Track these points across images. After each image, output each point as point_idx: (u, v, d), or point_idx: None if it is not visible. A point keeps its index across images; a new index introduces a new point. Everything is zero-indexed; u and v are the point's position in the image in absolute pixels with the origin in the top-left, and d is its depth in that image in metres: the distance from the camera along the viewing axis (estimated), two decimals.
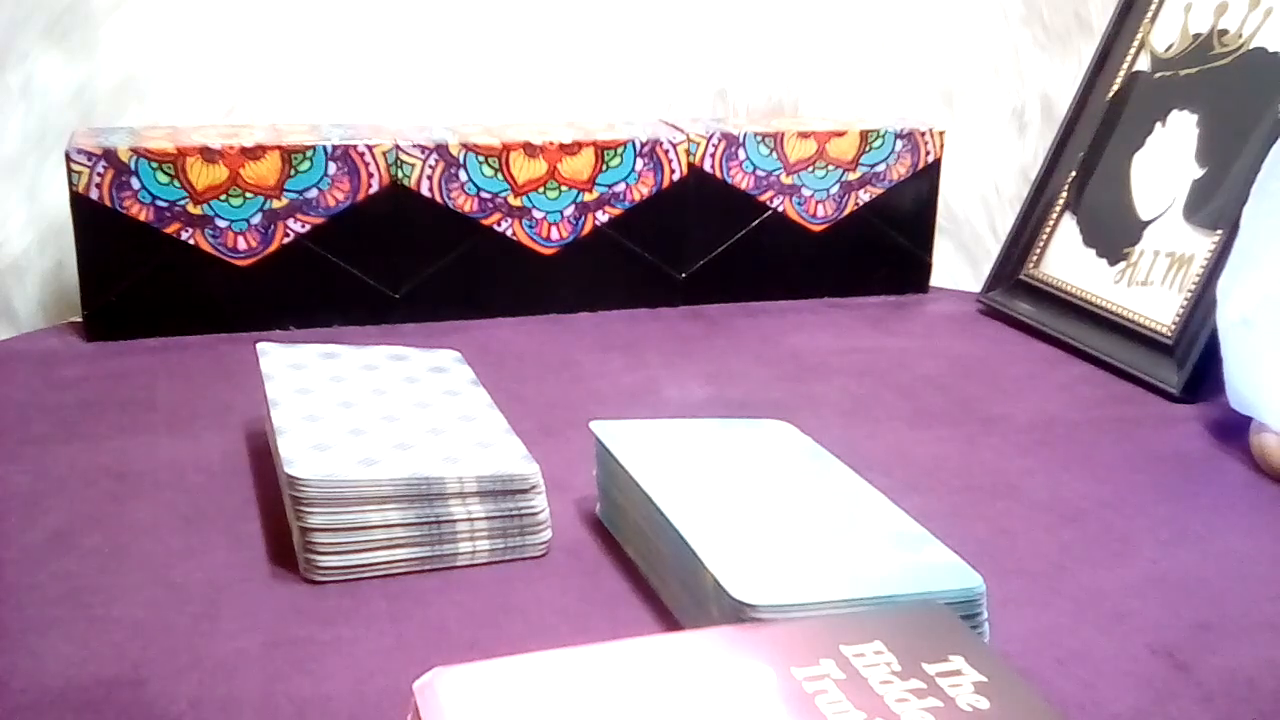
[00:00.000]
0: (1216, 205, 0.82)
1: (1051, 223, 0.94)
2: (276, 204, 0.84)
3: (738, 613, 0.44)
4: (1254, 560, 0.58)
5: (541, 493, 0.55)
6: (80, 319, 0.84)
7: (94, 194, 0.81)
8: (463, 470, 0.54)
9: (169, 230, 0.83)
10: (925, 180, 0.99)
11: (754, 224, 0.95)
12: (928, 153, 0.98)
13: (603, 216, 0.91)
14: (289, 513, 0.55)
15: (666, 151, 0.91)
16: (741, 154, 0.93)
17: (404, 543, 0.54)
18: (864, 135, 0.96)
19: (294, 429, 0.57)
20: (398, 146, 0.85)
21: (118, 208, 0.81)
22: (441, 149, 0.86)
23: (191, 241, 0.83)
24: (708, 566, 0.46)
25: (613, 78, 1.05)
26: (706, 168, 0.93)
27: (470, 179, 0.87)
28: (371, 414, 0.59)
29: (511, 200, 0.89)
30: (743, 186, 0.94)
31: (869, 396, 0.78)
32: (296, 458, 0.54)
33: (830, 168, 0.96)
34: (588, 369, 0.81)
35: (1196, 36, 0.88)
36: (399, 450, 0.56)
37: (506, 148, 0.88)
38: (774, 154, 0.94)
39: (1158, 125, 0.89)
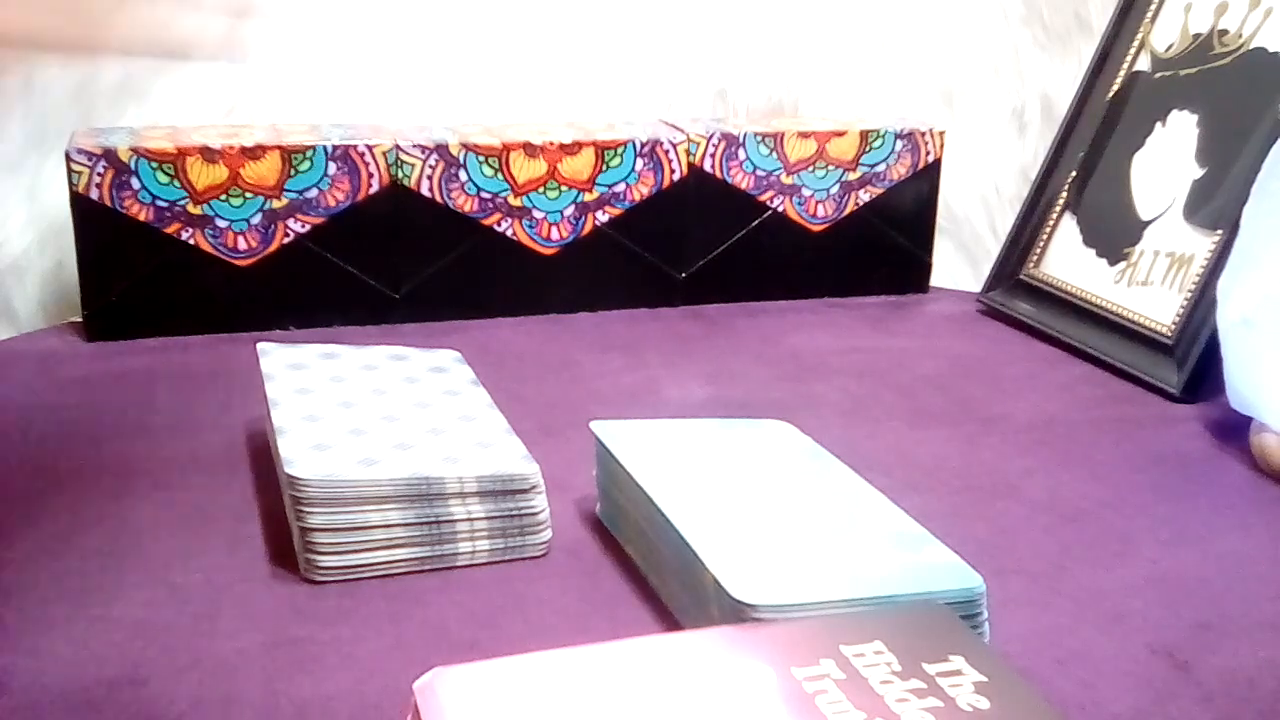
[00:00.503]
0: (1216, 205, 0.82)
1: (1051, 223, 0.94)
2: (276, 204, 0.84)
3: (738, 613, 0.44)
4: (1254, 560, 0.58)
5: (541, 493, 0.55)
6: (80, 319, 0.84)
7: (94, 194, 0.81)
8: (463, 470, 0.54)
9: (169, 230, 0.83)
10: (925, 180, 0.99)
11: (754, 224, 0.95)
12: (928, 153, 0.98)
13: (603, 216, 0.91)
14: (289, 513, 0.55)
15: (666, 151, 0.91)
16: (741, 154, 0.93)
17: (404, 543, 0.54)
18: (864, 135, 0.96)
19: (294, 429, 0.57)
20: (398, 146, 0.85)
21: (118, 208, 0.81)
22: (441, 149, 0.86)
23: (191, 241, 0.83)
24: (708, 566, 0.46)
25: (613, 78, 1.05)
26: (706, 168, 0.93)
27: (470, 179, 0.87)
28: (371, 414, 0.59)
29: (511, 200, 0.89)
30: (743, 186, 0.94)
31: (869, 396, 0.78)
32: (296, 458, 0.54)
33: (830, 168, 0.96)
34: (588, 369, 0.81)
35: (1196, 36, 0.88)
36: (399, 450, 0.56)
37: (506, 148, 0.88)
38: (774, 154, 0.94)
39: (1158, 125, 0.89)
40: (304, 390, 0.62)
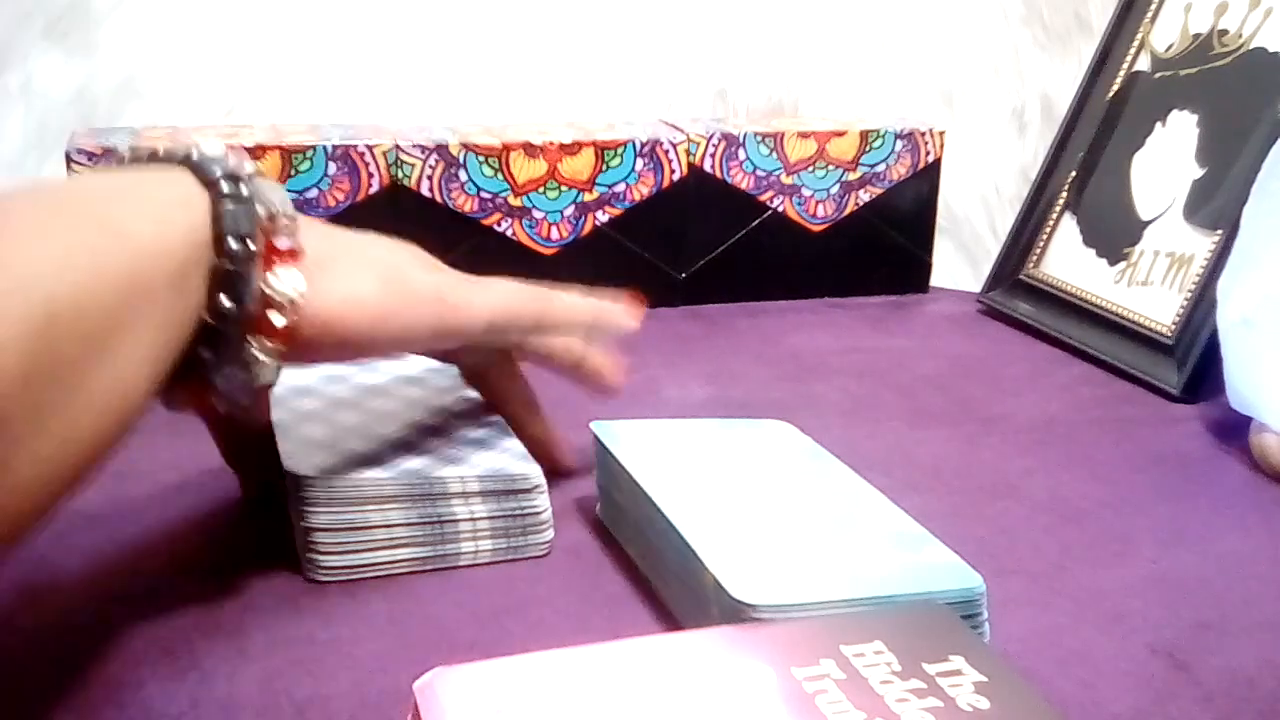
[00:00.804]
0: (1216, 205, 0.82)
1: (1051, 223, 0.94)
2: None
3: (738, 613, 0.44)
4: (1254, 560, 0.58)
5: (544, 492, 0.55)
6: None
7: None
8: (464, 470, 0.54)
9: None
10: (925, 180, 0.99)
11: (754, 224, 0.95)
12: (928, 153, 0.98)
13: (603, 216, 0.91)
14: (290, 512, 0.54)
15: (666, 151, 0.91)
16: (741, 154, 0.93)
17: (406, 542, 0.54)
18: (864, 135, 0.96)
19: (294, 427, 0.57)
20: (398, 146, 0.85)
21: None
22: (441, 149, 0.86)
23: None
24: (708, 566, 0.46)
25: (613, 78, 1.05)
26: (706, 168, 0.93)
27: (470, 179, 0.87)
28: (371, 413, 0.59)
29: (511, 200, 0.89)
30: (743, 186, 0.94)
31: (869, 396, 0.78)
32: (297, 456, 0.54)
33: (830, 168, 0.96)
34: None
35: (1196, 36, 0.88)
36: (400, 449, 0.56)
37: (506, 148, 0.88)
38: (774, 154, 0.94)
39: (1158, 125, 0.89)
40: (303, 389, 0.62)
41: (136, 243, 0.40)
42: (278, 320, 0.45)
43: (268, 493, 0.55)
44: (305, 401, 0.60)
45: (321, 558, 0.53)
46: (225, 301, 0.44)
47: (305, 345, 0.47)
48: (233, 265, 0.43)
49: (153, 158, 0.46)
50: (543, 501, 0.56)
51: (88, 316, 0.38)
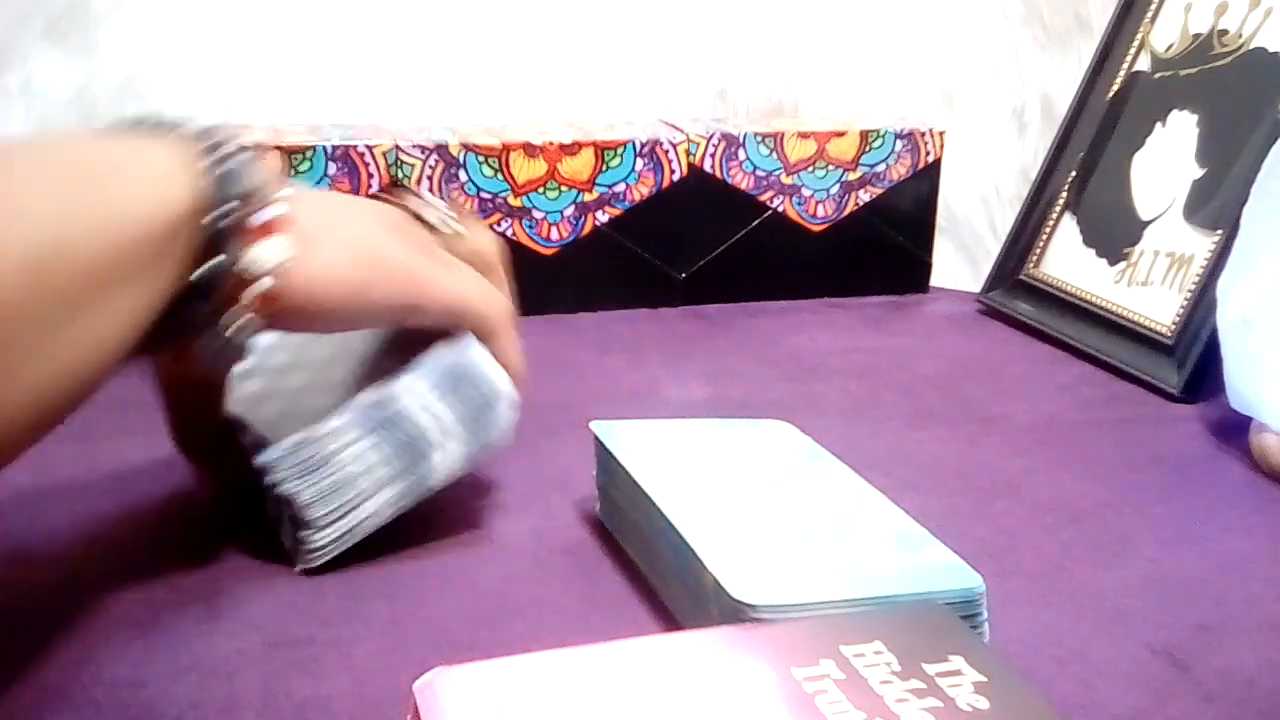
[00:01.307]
0: (1216, 205, 0.82)
1: (1051, 223, 0.94)
2: None
3: (738, 613, 0.44)
4: (1254, 560, 0.58)
5: (493, 366, 0.55)
6: None
7: None
8: (410, 375, 0.54)
9: None
10: (925, 180, 0.99)
11: (754, 224, 0.95)
12: (928, 153, 0.98)
13: (603, 216, 0.91)
14: (270, 506, 0.54)
15: (666, 151, 0.91)
16: (741, 154, 0.93)
17: (387, 480, 0.53)
18: (864, 135, 0.96)
19: (250, 414, 0.56)
20: (398, 146, 0.85)
21: None
22: (441, 149, 0.86)
23: None
24: (708, 566, 0.46)
25: (613, 78, 1.05)
26: (706, 168, 0.93)
27: (470, 179, 0.87)
28: (315, 364, 0.58)
29: (511, 200, 0.89)
30: (743, 186, 0.94)
31: (869, 396, 0.78)
32: (264, 446, 0.53)
33: (830, 168, 0.96)
34: (588, 369, 0.81)
35: (1196, 36, 0.88)
36: (353, 388, 0.55)
37: (506, 148, 0.88)
38: (774, 154, 0.94)
39: (1158, 125, 0.89)
40: (244, 372, 0.60)
41: (126, 209, 0.43)
42: (251, 293, 0.47)
43: (247, 486, 0.55)
44: (250, 384, 0.59)
45: (317, 535, 0.52)
46: (203, 271, 0.46)
47: (281, 316, 0.49)
48: (212, 237, 0.46)
49: (149, 125, 0.48)
50: (495, 380, 0.55)
51: (80, 264, 0.41)
